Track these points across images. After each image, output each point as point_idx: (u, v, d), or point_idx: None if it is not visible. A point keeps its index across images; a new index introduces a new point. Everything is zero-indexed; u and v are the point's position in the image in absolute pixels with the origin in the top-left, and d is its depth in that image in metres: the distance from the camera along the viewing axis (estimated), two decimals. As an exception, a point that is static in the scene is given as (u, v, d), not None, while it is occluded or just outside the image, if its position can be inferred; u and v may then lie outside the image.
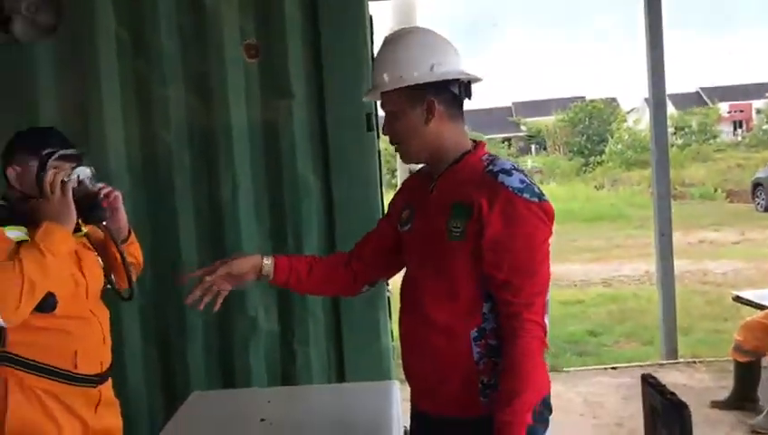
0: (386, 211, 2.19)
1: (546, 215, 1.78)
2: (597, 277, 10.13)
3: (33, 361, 2.11)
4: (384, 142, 3.06)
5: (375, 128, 3.41)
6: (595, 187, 23.29)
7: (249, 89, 3.45)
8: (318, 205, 3.47)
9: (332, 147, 3.43)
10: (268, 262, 2.01)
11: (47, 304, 2.05)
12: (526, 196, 1.75)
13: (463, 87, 1.86)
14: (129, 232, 2.43)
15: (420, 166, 2.05)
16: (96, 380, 2.27)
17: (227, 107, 3.43)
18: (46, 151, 2.15)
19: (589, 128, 30.32)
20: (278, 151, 3.46)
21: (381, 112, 2.01)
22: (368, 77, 2.92)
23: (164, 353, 3.53)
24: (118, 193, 2.33)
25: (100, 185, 2.28)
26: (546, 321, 1.78)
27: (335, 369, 3.50)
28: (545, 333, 1.76)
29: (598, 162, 27.24)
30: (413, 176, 2.09)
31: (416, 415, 1.98)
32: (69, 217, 2.08)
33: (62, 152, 2.17)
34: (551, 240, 1.82)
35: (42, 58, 3.41)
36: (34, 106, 3.39)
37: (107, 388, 2.35)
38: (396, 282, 2.19)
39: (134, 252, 2.50)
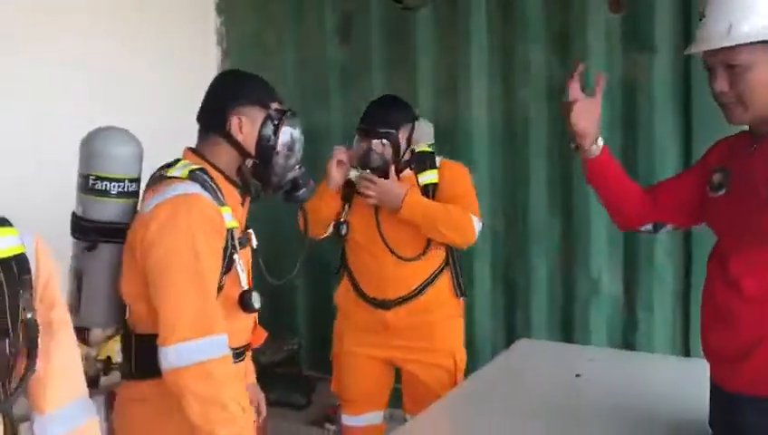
0: (693, 165, 2.08)
1: None
2: None
3: None
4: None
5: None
6: None
7: (610, 45, 3.38)
8: (676, 167, 3.27)
9: (696, 108, 3.18)
10: (601, 142, 2.07)
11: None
12: None
13: None
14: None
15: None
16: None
17: (586, 66, 3.40)
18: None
19: None
20: (635, 111, 3.34)
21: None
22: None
23: (510, 300, 3.73)
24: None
25: None
26: None
27: (680, 340, 3.31)
28: None
29: None
30: (728, 138, 1.93)
31: (714, 391, 1.84)
32: None
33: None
34: None
35: (423, 21, 3.80)
36: (412, 63, 3.83)
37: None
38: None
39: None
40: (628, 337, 3.42)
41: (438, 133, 3.82)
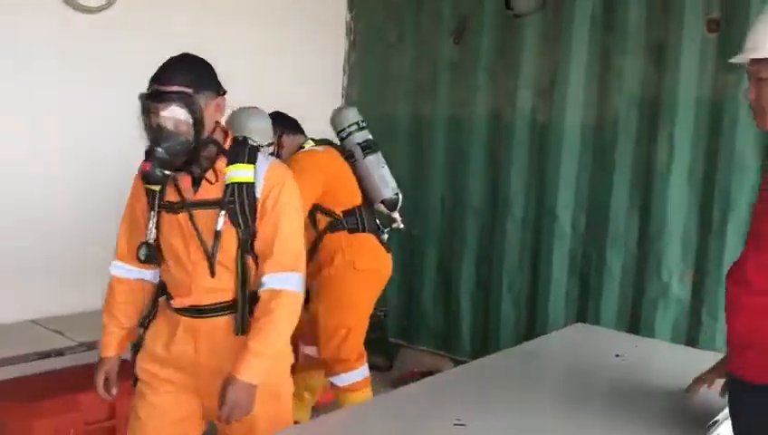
0: None
1: None
2: None
3: None
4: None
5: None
6: None
7: (703, 63, 3.55)
8: (753, 183, 3.41)
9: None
10: None
11: None
12: None
13: None
14: None
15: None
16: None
17: (677, 79, 3.60)
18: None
19: None
20: (719, 126, 3.50)
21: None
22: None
23: (583, 288, 3.98)
24: None
25: None
26: None
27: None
28: None
29: None
30: None
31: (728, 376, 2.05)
32: None
33: None
34: None
35: (530, 27, 4.10)
36: (517, 67, 4.14)
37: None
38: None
39: None
40: (691, 340, 3.59)
41: (533, 131, 4.14)
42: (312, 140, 3.27)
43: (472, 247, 4.41)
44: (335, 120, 3.41)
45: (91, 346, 3.25)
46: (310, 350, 3.39)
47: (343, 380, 3.20)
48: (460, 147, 4.42)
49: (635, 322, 3.78)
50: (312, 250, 3.14)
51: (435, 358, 4.50)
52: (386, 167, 3.35)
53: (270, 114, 3.05)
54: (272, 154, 2.95)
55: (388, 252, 3.33)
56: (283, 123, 3.18)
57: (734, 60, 1.98)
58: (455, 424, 1.87)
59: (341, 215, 3.18)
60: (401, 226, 3.43)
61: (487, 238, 4.34)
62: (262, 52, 4.31)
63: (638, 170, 3.77)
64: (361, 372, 3.23)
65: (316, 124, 3.41)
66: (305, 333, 3.21)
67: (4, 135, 3.41)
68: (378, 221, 3.35)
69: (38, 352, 3.10)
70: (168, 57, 2.05)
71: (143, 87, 2.00)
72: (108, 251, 3.74)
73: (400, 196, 3.36)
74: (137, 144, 2.06)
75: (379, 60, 4.82)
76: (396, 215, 3.39)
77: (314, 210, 3.12)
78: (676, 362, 2.76)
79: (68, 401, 3.22)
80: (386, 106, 4.72)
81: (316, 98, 4.39)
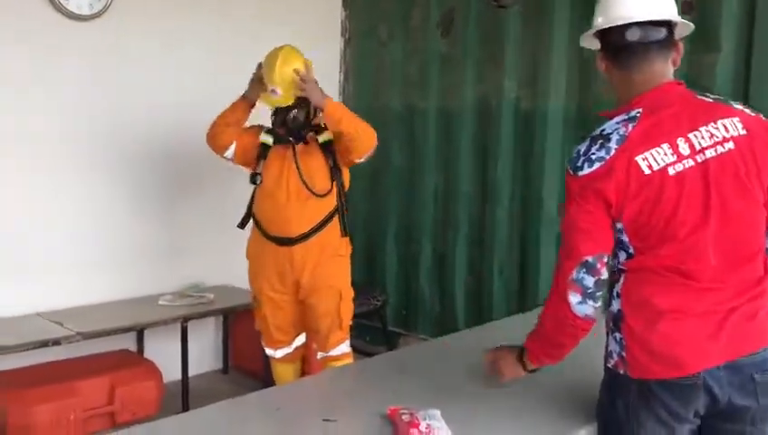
0: None
1: None
2: None
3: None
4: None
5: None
6: None
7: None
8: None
9: (752, 100, 3.32)
10: None
11: (253, 179, 3.24)
12: None
13: None
14: (327, 106, 3.11)
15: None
16: (284, 241, 3.21)
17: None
18: None
19: None
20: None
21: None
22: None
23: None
24: (303, 81, 3.09)
25: None
26: None
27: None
28: None
29: None
30: None
31: None
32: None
33: None
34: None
35: (512, 18, 4.17)
36: (502, 57, 4.22)
37: (296, 248, 3.21)
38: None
39: (338, 123, 3.11)
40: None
41: (518, 119, 4.22)
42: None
43: (464, 234, 4.50)
44: None
45: (88, 336, 3.44)
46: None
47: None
48: (451, 136, 4.50)
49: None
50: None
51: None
52: None
53: None
54: None
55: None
56: None
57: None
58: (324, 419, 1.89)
59: None
60: None
61: (478, 225, 4.43)
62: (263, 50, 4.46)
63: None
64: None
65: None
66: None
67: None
68: None
69: (37, 341, 3.28)
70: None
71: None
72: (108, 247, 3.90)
73: None
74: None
75: (372, 56, 4.95)
76: None
77: None
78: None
79: (67, 387, 3.42)
80: (381, 100, 4.85)
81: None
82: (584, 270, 1.75)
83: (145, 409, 3.51)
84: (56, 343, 3.32)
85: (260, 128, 3.33)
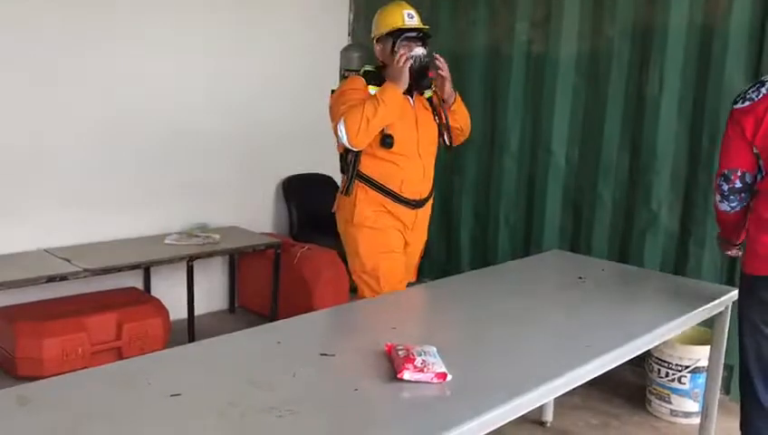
0: None
1: None
2: None
3: (375, 180, 2.96)
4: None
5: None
6: None
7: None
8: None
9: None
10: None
11: (386, 142, 2.88)
12: None
13: None
14: (455, 101, 3.03)
15: None
16: (414, 204, 3.01)
17: (668, 6, 3.55)
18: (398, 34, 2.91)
19: None
20: (709, 52, 3.46)
21: None
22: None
23: (576, 220, 4.04)
24: (443, 67, 2.91)
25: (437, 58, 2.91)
26: None
27: (726, 275, 3.48)
28: None
29: None
30: None
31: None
32: (402, 82, 2.83)
33: (407, 35, 2.91)
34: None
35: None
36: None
37: (423, 212, 3.09)
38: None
39: (458, 119, 3.07)
40: (678, 269, 3.62)
41: (530, 65, 4.16)
42: None
43: (471, 182, 4.49)
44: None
45: (95, 272, 3.48)
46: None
47: None
48: (462, 82, 4.43)
49: (624, 251, 3.82)
50: None
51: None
52: None
53: None
54: None
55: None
56: None
57: None
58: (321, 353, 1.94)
59: None
60: None
61: (485, 173, 4.41)
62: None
63: (630, 101, 3.75)
64: None
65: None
66: None
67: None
68: None
69: (44, 276, 3.32)
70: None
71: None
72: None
73: None
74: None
75: None
76: None
77: None
78: (630, 282, 2.88)
79: (76, 322, 3.48)
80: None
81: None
82: (722, 179, 2.39)
83: (152, 345, 3.57)
84: (63, 278, 3.36)
85: (363, 83, 2.95)
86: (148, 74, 4.07)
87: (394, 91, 2.82)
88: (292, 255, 4.27)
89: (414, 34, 2.94)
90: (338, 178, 5.00)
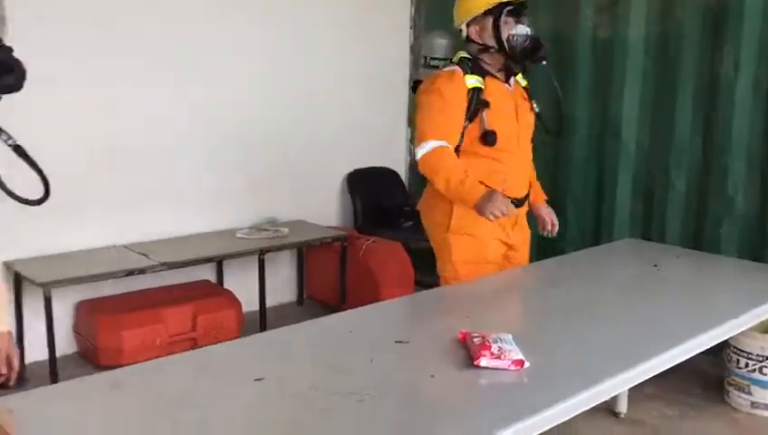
0: None
1: None
2: None
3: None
4: None
5: None
6: None
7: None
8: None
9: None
10: None
11: (489, 139, 2.63)
12: None
13: None
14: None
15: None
16: (516, 203, 2.71)
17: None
18: (499, 9, 2.62)
19: None
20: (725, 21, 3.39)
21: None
22: None
23: (647, 207, 3.96)
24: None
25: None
26: None
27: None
28: None
29: None
30: None
31: None
32: (477, 211, 2.52)
33: (509, 8, 2.63)
34: None
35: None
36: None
37: (522, 211, 2.85)
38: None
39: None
40: (756, 256, 3.50)
41: (595, 47, 4.07)
42: None
43: (539, 170, 4.40)
44: None
45: (171, 266, 3.59)
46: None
47: None
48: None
49: (698, 238, 3.72)
50: None
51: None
52: None
53: None
54: None
55: None
56: None
57: None
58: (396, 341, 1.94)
59: None
60: None
61: (553, 159, 4.34)
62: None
63: (703, 84, 3.65)
64: None
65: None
66: None
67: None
68: None
69: (124, 270, 3.45)
70: None
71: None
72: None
73: None
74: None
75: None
76: None
77: None
78: (707, 270, 2.81)
79: (154, 314, 3.60)
80: (452, 30, 4.71)
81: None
82: None
83: (225, 336, 3.65)
84: (141, 271, 3.48)
85: (460, 78, 2.66)
86: (224, 74, 4.17)
87: (469, 202, 2.57)
88: (358, 247, 4.32)
89: (512, 8, 2.64)
90: (401, 171, 5.10)
